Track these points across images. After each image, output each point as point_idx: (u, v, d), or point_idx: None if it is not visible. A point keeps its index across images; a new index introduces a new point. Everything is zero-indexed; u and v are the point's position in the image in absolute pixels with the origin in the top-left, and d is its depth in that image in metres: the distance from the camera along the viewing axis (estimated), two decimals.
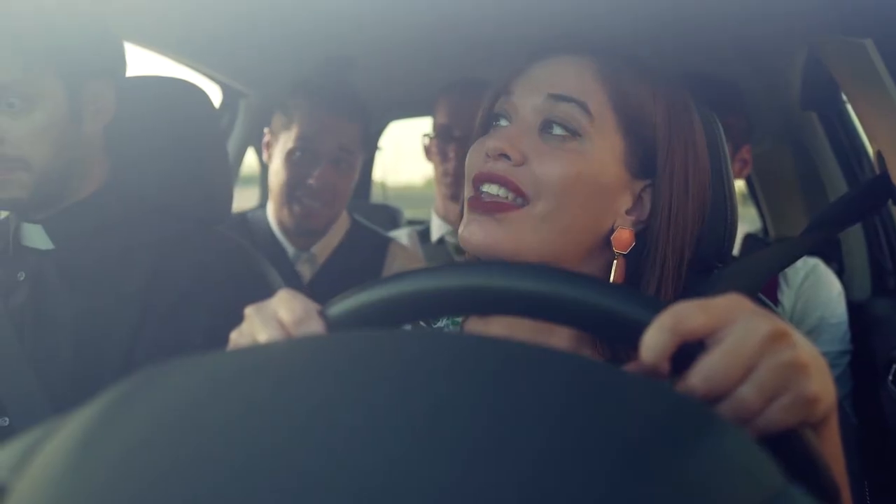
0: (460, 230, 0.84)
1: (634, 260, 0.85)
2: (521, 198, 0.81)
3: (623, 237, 0.84)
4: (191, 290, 1.16)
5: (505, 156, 0.82)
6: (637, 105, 0.85)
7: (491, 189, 0.82)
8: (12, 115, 1.09)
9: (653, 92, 0.86)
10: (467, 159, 0.87)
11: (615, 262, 0.85)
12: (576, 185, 0.81)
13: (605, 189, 0.83)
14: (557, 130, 0.83)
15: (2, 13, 1.10)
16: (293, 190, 1.70)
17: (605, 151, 0.83)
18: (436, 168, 2.01)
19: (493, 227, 0.81)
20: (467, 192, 0.86)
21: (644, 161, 0.85)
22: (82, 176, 1.19)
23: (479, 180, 0.83)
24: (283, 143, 1.72)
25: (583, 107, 0.82)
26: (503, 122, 0.87)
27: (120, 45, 1.24)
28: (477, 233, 0.81)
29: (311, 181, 1.68)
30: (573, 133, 0.82)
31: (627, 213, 0.85)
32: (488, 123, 0.89)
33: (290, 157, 1.70)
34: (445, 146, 1.95)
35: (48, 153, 1.12)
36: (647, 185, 0.86)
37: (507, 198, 0.81)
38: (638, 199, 0.86)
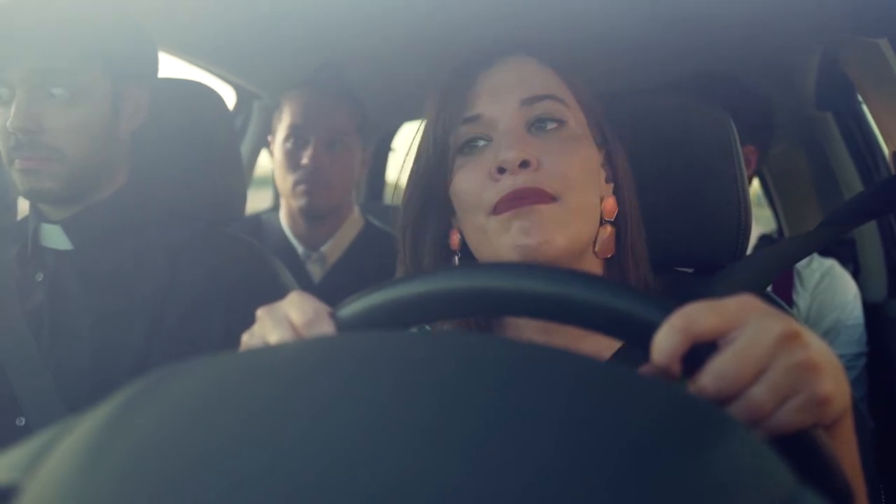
0: (509, 241, 0.79)
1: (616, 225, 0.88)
2: (549, 200, 0.80)
3: (610, 205, 0.87)
4: (206, 294, 1.16)
5: (524, 163, 0.80)
6: (581, 81, 0.88)
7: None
8: (55, 105, 1.11)
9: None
10: (466, 189, 0.83)
11: (606, 231, 0.86)
12: (584, 170, 0.83)
13: (595, 165, 0.86)
14: (543, 125, 0.84)
15: (60, 6, 1.12)
16: (292, 174, 1.73)
17: (582, 130, 0.86)
18: None
19: (538, 221, 0.79)
20: (483, 217, 0.81)
21: (599, 132, 0.88)
22: (107, 177, 1.20)
23: (508, 201, 0.79)
24: (278, 137, 1.77)
25: (557, 98, 0.84)
26: (481, 143, 0.84)
27: (157, 52, 1.27)
28: (531, 231, 0.78)
29: (303, 161, 1.71)
30: (560, 122, 0.84)
31: (606, 181, 0.88)
32: (449, 153, 0.85)
33: (284, 145, 1.75)
34: None
35: (84, 148, 1.13)
36: (605, 154, 0.89)
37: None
38: (604, 168, 0.89)
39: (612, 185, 0.88)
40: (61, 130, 1.11)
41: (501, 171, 0.80)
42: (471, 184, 0.83)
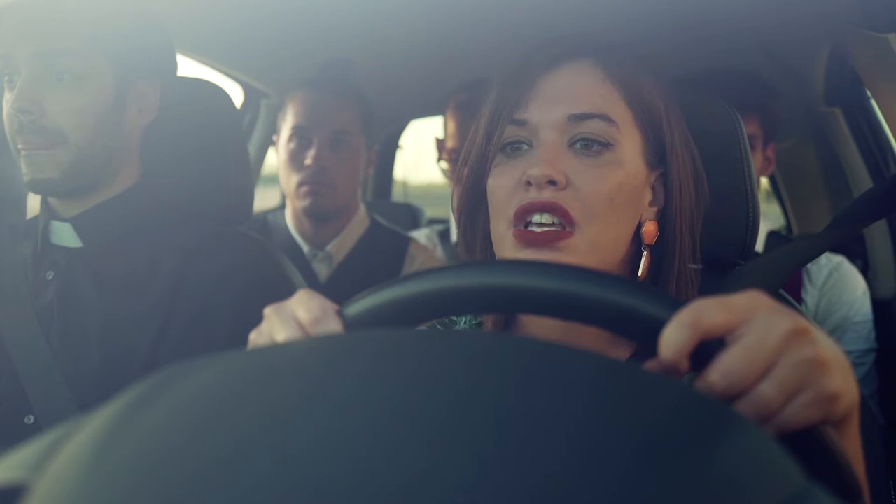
0: None
1: (658, 249, 0.86)
2: (570, 223, 0.79)
3: (650, 229, 0.85)
4: (218, 294, 1.16)
5: (551, 181, 0.79)
6: (647, 97, 0.85)
7: (543, 219, 0.79)
8: (60, 88, 1.12)
9: (654, 80, 0.86)
10: (497, 190, 0.83)
11: (643, 254, 0.85)
12: (619, 197, 0.81)
13: (637, 190, 0.84)
14: (588, 145, 0.81)
15: None
16: (296, 174, 1.74)
17: (632, 152, 0.83)
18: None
19: (556, 257, 0.79)
20: (505, 225, 0.82)
21: (656, 151, 0.86)
22: (115, 172, 1.20)
23: (528, 211, 0.79)
24: (282, 137, 1.78)
25: (606, 119, 0.82)
26: (524, 147, 0.84)
27: (173, 52, 1.27)
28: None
29: (306, 161, 1.72)
30: (605, 145, 0.81)
31: (650, 205, 0.86)
32: (497, 146, 0.85)
33: (287, 146, 1.75)
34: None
35: (86, 133, 1.14)
36: (660, 175, 0.86)
37: (561, 226, 0.79)
38: (654, 190, 0.87)
39: (655, 208, 0.86)
40: (63, 113, 1.12)
41: (529, 183, 0.80)
42: (502, 188, 0.82)
